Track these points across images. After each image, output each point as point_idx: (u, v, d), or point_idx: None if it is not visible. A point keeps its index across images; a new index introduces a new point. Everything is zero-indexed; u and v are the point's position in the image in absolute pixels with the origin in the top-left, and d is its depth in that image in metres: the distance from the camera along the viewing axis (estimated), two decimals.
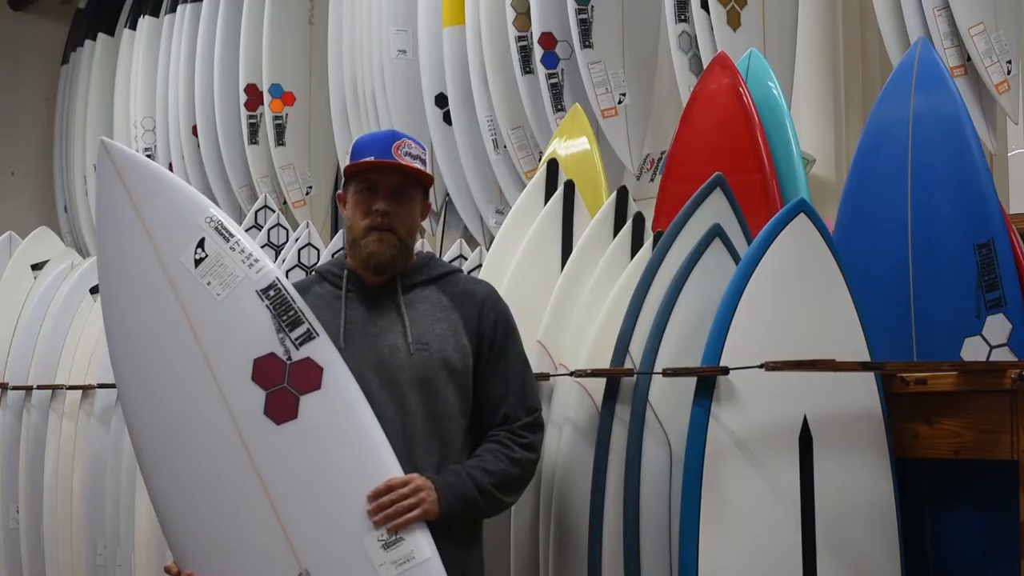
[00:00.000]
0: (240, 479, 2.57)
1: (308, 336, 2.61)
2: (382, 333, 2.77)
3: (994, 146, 3.90)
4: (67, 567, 4.45)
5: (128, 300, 2.66)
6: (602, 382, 2.93)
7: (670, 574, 2.80)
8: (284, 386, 2.58)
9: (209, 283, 2.62)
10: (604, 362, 2.95)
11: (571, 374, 3.00)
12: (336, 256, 2.94)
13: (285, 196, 6.06)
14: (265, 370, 2.58)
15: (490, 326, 2.81)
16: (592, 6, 4.63)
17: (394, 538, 2.56)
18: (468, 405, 2.80)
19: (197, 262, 2.63)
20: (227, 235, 2.68)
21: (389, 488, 2.60)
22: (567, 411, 3.02)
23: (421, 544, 2.58)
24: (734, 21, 4.24)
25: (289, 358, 2.59)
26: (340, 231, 3.97)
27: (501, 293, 2.92)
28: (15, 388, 4.67)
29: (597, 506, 2.87)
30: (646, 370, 2.84)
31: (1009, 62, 3.80)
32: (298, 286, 2.83)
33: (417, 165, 2.79)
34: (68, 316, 4.65)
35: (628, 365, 2.90)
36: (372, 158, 2.76)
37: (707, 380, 2.70)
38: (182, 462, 2.61)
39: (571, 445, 3.00)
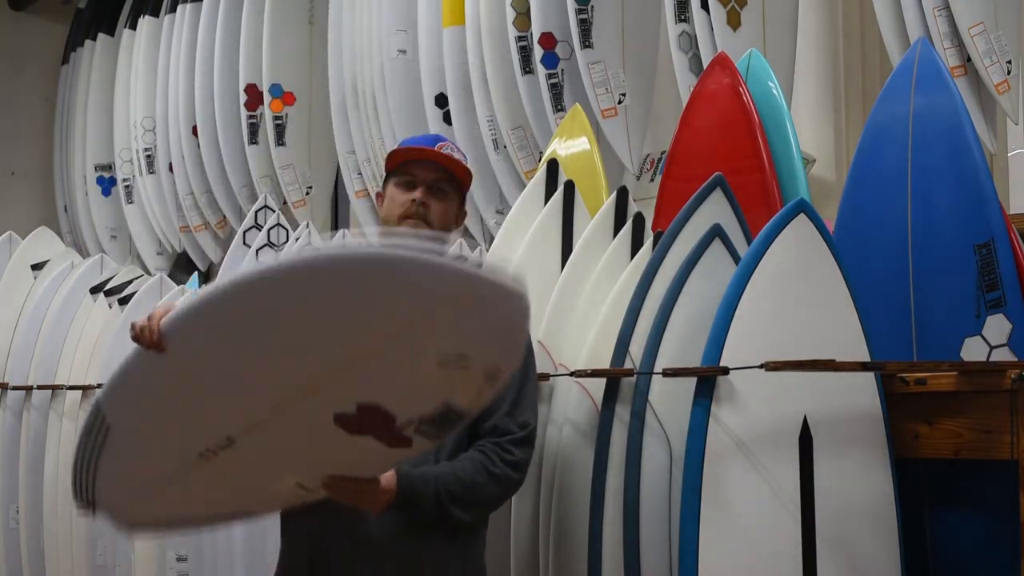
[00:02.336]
0: None
1: None
2: None
3: (994, 146, 3.89)
4: (67, 567, 4.45)
5: None
6: (602, 382, 2.93)
7: (670, 574, 2.80)
8: None
9: None
10: (604, 362, 2.95)
11: (571, 374, 3.00)
12: None
13: (285, 196, 6.05)
14: None
15: None
16: (592, 6, 4.62)
17: None
18: None
19: None
20: None
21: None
22: (567, 411, 3.02)
23: None
24: (734, 21, 4.24)
25: None
26: (340, 231, 3.97)
27: None
28: (15, 388, 4.68)
29: (597, 506, 2.88)
30: (646, 370, 2.85)
31: (1009, 62, 3.79)
32: None
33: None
34: (68, 316, 4.66)
35: (628, 365, 2.90)
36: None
37: (707, 380, 2.70)
38: None
39: (571, 445, 3.00)
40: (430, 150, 2.80)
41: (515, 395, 2.77)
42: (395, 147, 2.88)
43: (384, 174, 2.88)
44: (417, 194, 2.77)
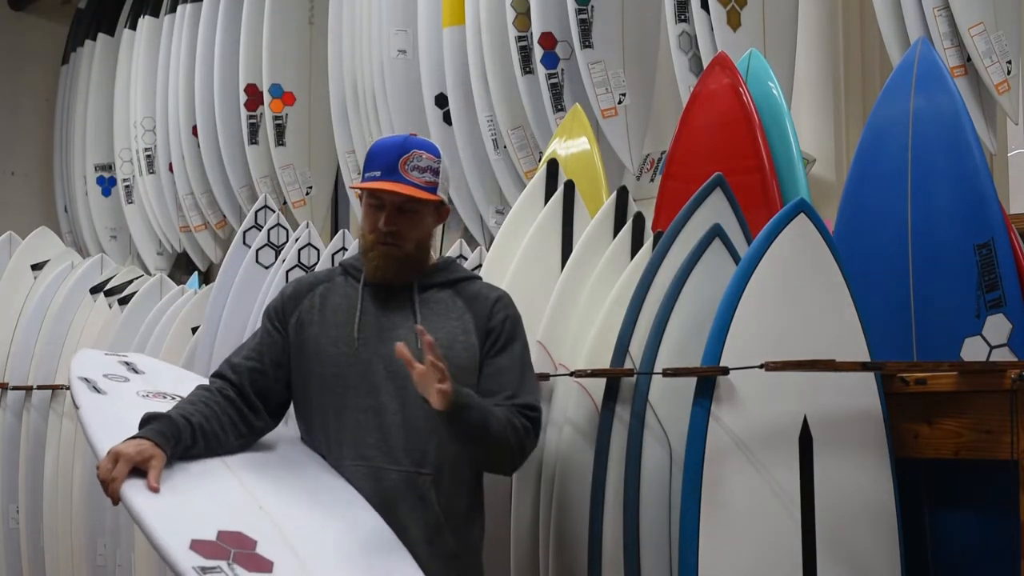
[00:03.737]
0: None
1: None
2: (394, 327, 2.81)
3: (994, 146, 3.89)
4: (67, 567, 4.45)
5: None
6: (602, 382, 2.93)
7: (670, 574, 2.80)
8: None
9: None
10: (604, 362, 2.95)
11: (571, 374, 3.00)
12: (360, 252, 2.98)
13: (285, 196, 6.06)
14: None
15: (498, 323, 2.83)
16: (592, 6, 4.62)
17: None
18: None
19: None
20: None
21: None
22: (567, 411, 3.02)
23: None
24: (734, 21, 4.24)
25: None
26: (341, 231, 3.97)
27: None
28: (15, 388, 4.67)
29: (597, 506, 2.88)
30: (646, 370, 2.85)
31: (1009, 62, 3.79)
32: (320, 275, 2.94)
33: (425, 179, 2.81)
34: (68, 316, 4.66)
35: (628, 365, 2.90)
36: (379, 173, 2.80)
37: (707, 380, 2.70)
38: None
39: (571, 445, 3.00)
40: (389, 190, 2.78)
41: (517, 383, 2.79)
42: (368, 152, 2.86)
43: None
44: (383, 223, 2.79)
